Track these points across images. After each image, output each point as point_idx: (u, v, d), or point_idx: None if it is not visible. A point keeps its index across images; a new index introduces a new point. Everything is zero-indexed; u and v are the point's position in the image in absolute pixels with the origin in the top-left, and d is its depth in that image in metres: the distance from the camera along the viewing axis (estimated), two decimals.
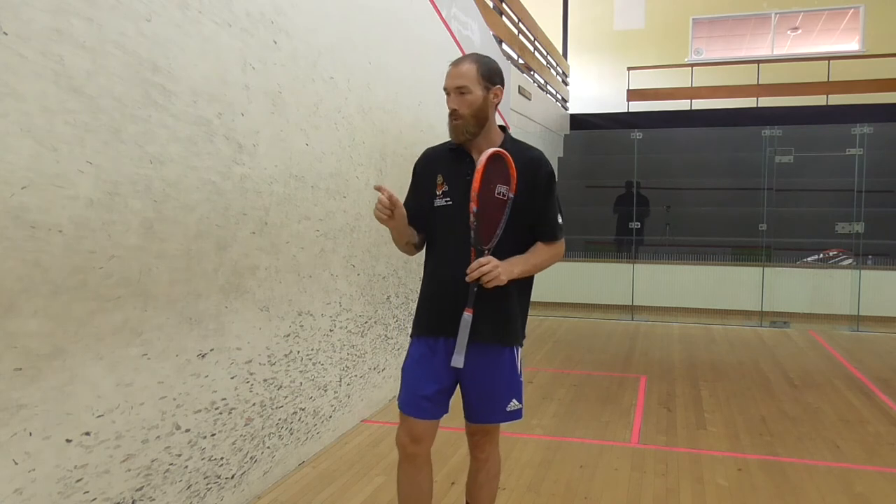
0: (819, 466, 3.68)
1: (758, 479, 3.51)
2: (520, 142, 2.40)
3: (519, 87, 9.03)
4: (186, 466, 2.75)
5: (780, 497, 3.29)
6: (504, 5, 9.47)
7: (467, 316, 2.17)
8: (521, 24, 10.30)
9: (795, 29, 15.08)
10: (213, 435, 2.90)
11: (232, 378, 3.03)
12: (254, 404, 3.19)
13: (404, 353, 5.33)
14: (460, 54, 6.36)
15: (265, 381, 3.27)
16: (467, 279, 2.17)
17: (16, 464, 2.03)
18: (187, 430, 2.75)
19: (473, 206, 2.15)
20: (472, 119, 2.27)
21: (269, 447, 3.32)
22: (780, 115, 11.80)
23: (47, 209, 2.09)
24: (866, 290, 8.17)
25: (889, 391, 5.19)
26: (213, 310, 2.87)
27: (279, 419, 3.40)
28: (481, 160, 2.16)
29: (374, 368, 4.52)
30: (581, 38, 14.98)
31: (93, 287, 2.26)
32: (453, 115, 2.26)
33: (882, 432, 4.24)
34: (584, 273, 9.23)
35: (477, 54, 2.36)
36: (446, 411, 2.37)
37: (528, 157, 2.31)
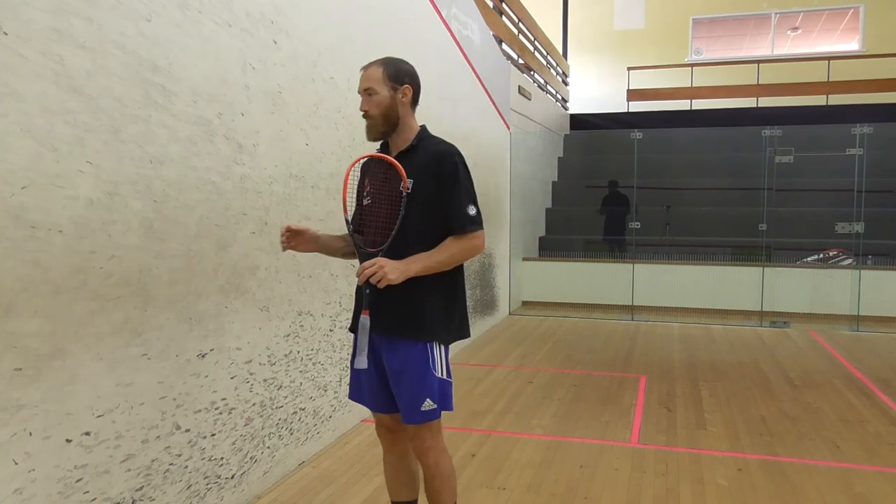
0: (819, 466, 3.68)
1: (758, 479, 3.51)
2: (434, 137, 2.45)
3: (519, 87, 9.03)
4: (186, 466, 2.75)
5: (780, 497, 3.29)
6: (504, 5, 9.47)
7: (364, 318, 2.23)
8: (521, 24, 10.30)
9: (795, 29, 15.08)
10: (213, 435, 2.90)
11: (232, 378, 3.03)
12: (254, 404, 3.19)
13: None
14: (460, 54, 6.39)
15: (265, 381, 3.27)
16: (359, 282, 2.24)
17: (16, 464, 2.03)
18: (187, 430, 2.75)
19: (345, 215, 2.27)
20: (381, 118, 2.33)
21: (269, 447, 3.32)
22: (780, 115, 11.80)
23: (47, 209, 2.09)
24: (866, 290, 8.17)
25: (889, 391, 5.19)
26: (213, 310, 2.87)
27: (279, 419, 3.40)
28: (347, 171, 2.31)
29: None
30: (581, 38, 14.98)
31: (93, 287, 2.26)
32: (364, 115, 2.35)
33: (882, 432, 4.24)
34: (584, 273, 9.23)
35: (387, 57, 2.44)
36: (395, 408, 2.43)
37: (435, 151, 2.35)
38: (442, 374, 2.33)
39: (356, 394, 2.49)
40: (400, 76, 2.38)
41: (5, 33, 1.95)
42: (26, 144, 2.02)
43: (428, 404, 2.29)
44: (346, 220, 2.30)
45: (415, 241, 2.27)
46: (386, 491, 3.26)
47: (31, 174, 2.03)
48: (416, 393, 2.29)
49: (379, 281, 2.17)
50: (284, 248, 2.37)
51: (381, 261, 2.19)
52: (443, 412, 2.36)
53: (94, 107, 2.26)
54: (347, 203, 2.35)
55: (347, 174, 2.34)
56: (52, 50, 2.10)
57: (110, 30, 2.32)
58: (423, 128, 2.45)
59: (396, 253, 2.24)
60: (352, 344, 2.45)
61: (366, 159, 2.47)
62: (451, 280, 2.37)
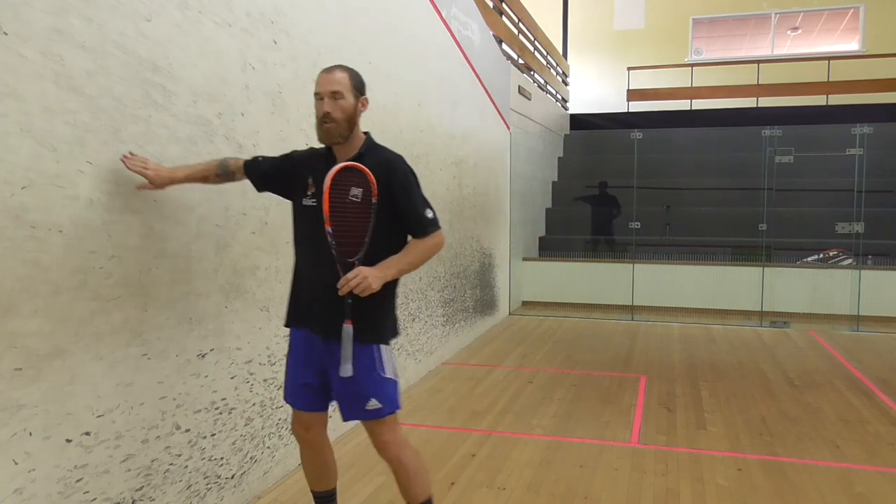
0: (819, 466, 3.68)
1: (758, 479, 3.51)
2: (380, 146, 2.50)
3: (519, 87, 9.03)
4: (186, 466, 2.75)
5: (780, 497, 3.29)
6: (504, 5, 9.47)
7: (347, 328, 2.27)
8: (521, 24, 10.29)
9: (795, 29, 15.07)
10: (213, 435, 2.90)
11: (232, 378, 3.03)
12: (254, 404, 3.19)
13: (404, 353, 5.34)
14: (460, 54, 6.39)
15: (265, 381, 3.27)
16: (340, 293, 2.27)
17: (16, 464, 2.03)
18: (187, 430, 2.75)
19: (328, 227, 2.27)
20: (344, 123, 2.37)
21: (269, 447, 3.32)
22: (780, 115, 11.79)
23: (47, 209, 2.09)
24: (866, 290, 8.17)
25: (889, 391, 5.19)
26: (213, 310, 2.88)
27: (279, 419, 3.40)
28: (326, 182, 2.28)
29: None
30: (581, 38, 14.98)
31: (93, 287, 2.26)
32: (326, 118, 2.35)
33: (882, 432, 4.24)
34: (584, 273, 9.23)
35: (346, 65, 2.47)
36: (325, 408, 2.52)
37: (383, 160, 2.41)
38: (389, 374, 2.43)
39: (288, 394, 2.57)
40: (361, 86, 2.45)
41: (5, 33, 1.95)
42: (26, 144, 2.02)
43: (373, 404, 2.38)
44: (329, 233, 2.28)
45: (379, 247, 2.35)
46: (386, 491, 3.27)
47: (31, 174, 2.03)
48: (362, 394, 2.38)
49: (361, 291, 2.25)
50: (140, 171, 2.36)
51: (363, 270, 2.26)
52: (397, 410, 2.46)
53: (94, 107, 2.26)
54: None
55: (327, 190, 2.29)
56: (52, 50, 2.10)
57: (110, 30, 2.32)
58: (369, 136, 2.50)
59: (361, 260, 2.31)
60: (288, 343, 2.54)
61: (316, 157, 2.49)
62: (394, 284, 2.46)
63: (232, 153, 2.97)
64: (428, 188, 5.47)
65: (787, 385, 5.38)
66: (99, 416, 2.31)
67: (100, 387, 2.31)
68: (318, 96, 2.37)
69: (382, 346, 2.43)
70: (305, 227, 2.48)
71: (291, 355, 2.54)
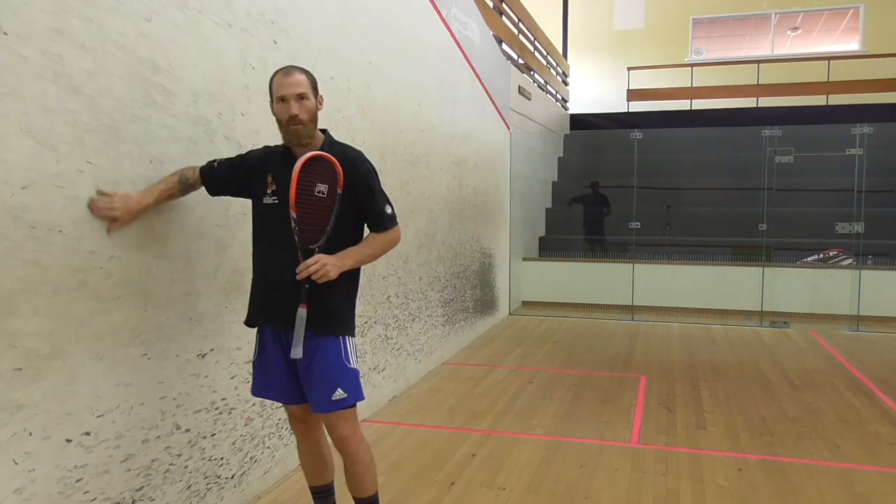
0: (819, 466, 3.68)
1: (758, 479, 3.51)
2: (340, 143, 2.56)
3: (519, 87, 9.02)
4: (186, 466, 2.75)
5: (780, 497, 3.29)
6: (504, 5, 9.47)
7: (301, 312, 2.32)
8: (521, 24, 10.29)
9: (795, 29, 15.07)
10: (213, 435, 2.90)
11: (232, 378, 3.03)
12: (254, 404, 3.19)
13: (404, 353, 5.34)
14: (460, 54, 6.39)
15: None
16: (298, 278, 2.32)
17: (16, 464, 2.03)
18: (187, 430, 2.75)
19: (293, 213, 2.31)
20: (310, 124, 2.42)
21: (269, 447, 3.32)
22: (780, 115, 11.79)
23: (47, 209, 2.09)
24: (866, 290, 8.16)
25: (889, 391, 5.19)
26: (213, 310, 2.88)
27: (279, 419, 3.40)
28: (296, 168, 2.32)
29: (374, 368, 4.52)
30: (581, 38, 14.97)
31: (93, 287, 2.26)
32: (294, 120, 2.38)
33: (882, 432, 4.24)
34: (584, 273, 9.23)
35: (298, 66, 2.51)
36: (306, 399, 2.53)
37: (346, 156, 2.46)
38: (353, 364, 2.49)
39: (261, 390, 2.57)
40: (317, 86, 2.50)
41: (5, 33, 1.95)
42: (26, 144, 2.02)
43: (339, 394, 2.43)
44: (293, 218, 2.32)
45: (339, 237, 2.41)
46: (386, 491, 3.27)
47: (31, 174, 2.03)
48: (328, 383, 2.43)
49: (319, 278, 2.31)
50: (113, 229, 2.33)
51: (322, 258, 2.33)
52: (357, 402, 2.51)
53: (94, 107, 2.26)
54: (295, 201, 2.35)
55: (296, 176, 2.32)
56: (52, 50, 2.10)
57: (110, 30, 2.32)
58: (328, 133, 2.55)
59: (322, 248, 2.36)
60: (255, 341, 2.54)
61: (275, 155, 2.52)
62: (357, 276, 2.57)
63: (232, 153, 2.97)
64: (428, 188, 5.50)
65: (787, 385, 5.38)
66: (99, 416, 2.31)
67: (100, 387, 2.31)
68: (283, 99, 2.39)
69: (349, 338, 2.50)
70: (265, 224, 2.51)
71: (263, 353, 2.54)
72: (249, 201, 2.60)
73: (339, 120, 3.91)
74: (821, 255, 9.07)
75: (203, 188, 2.63)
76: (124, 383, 2.41)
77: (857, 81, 12.69)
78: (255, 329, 2.58)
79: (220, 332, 2.93)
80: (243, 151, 3.04)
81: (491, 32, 7.71)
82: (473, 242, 6.95)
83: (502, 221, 8.32)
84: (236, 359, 3.05)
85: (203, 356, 2.83)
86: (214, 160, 2.63)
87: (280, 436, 3.41)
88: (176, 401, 2.68)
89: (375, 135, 4.45)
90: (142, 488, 2.51)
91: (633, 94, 13.70)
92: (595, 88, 15.17)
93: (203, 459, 2.84)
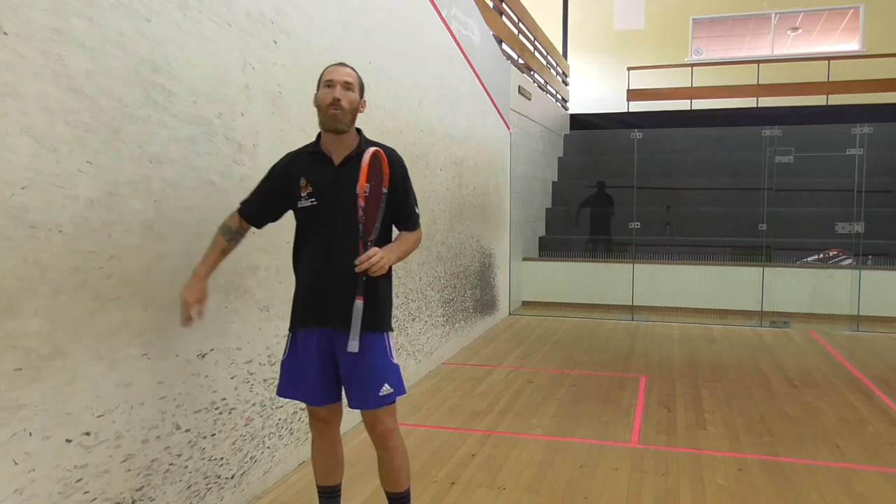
0: (819, 466, 3.68)
1: (758, 479, 3.51)
2: (375, 142, 2.57)
3: (519, 87, 9.02)
4: (186, 466, 2.75)
5: (780, 497, 3.29)
6: (504, 5, 9.47)
7: (359, 303, 2.34)
8: (521, 24, 10.29)
9: (795, 29, 15.07)
10: (213, 435, 2.90)
11: (232, 378, 3.03)
12: (254, 404, 3.19)
13: (404, 353, 5.32)
14: (460, 54, 6.39)
15: (265, 381, 3.27)
16: (356, 270, 2.35)
17: (16, 464, 2.03)
18: (187, 430, 2.75)
19: (361, 202, 2.35)
20: (349, 115, 2.46)
21: (269, 447, 3.32)
22: (780, 115, 11.79)
23: (47, 209, 2.09)
24: (866, 290, 8.17)
25: (889, 391, 5.19)
26: (213, 310, 2.87)
27: (279, 419, 3.40)
28: (365, 159, 2.36)
29: None
30: (581, 38, 14.97)
31: (93, 287, 2.26)
32: (335, 104, 2.41)
33: (882, 432, 4.24)
34: (584, 273, 9.23)
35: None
36: (336, 398, 2.56)
37: (386, 156, 2.49)
38: (395, 360, 2.53)
39: (290, 390, 2.57)
40: (364, 89, 2.57)
41: (5, 33, 1.95)
42: (26, 144, 2.02)
43: (386, 389, 2.47)
44: (361, 207, 2.35)
45: (382, 234, 2.49)
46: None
47: (31, 174, 2.03)
48: (377, 380, 2.45)
49: (377, 270, 2.36)
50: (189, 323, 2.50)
51: (378, 250, 2.38)
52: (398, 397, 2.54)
53: (94, 107, 2.26)
54: (363, 190, 2.38)
55: (366, 167, 2.36)
56: (52, 50, 2.10)
57: (110, 30, 2.32)
58: (362, 132, 2.57)
59: (357, 247, 2.38)
60: (288, 341, 2.55)
61: (304, 157, 2.55)
62: (392, 273, 2.62)
63: (232, 153, 2.97)
64: (428, 188, 5.50)
65: (786, 385, 5.38)
66: (99, 416, 2.31)
67: (100, 387, 2.31)
68: (330, 83, 2.44)
69: (390, 333, 2.55)
70: (308, 226, 2.52)
71: (301, 355, 2.52)
72: (232, 199, 2.62)
73: None
74: (821, 255, 9.07)
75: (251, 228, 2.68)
76: (124, 383, 2.41)
77: (857, 81, 12.69)
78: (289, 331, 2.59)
79: (220, 332, 2.93)
80: (243, 151, 3.05)
81: (491, 32, 7.71)
82: (473, 242, 6.95)
83: (502, 221, 8.32)
84: (236, 359, 3.05)
85: (203, 356, 2.83)
86: (245, 199, 2.64)
87: (280, 436, 3.42)
88: (176, 401, 2.68)
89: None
90: (142, 488, 2.51)
91: (633, 94, 13.70)
92: (595, 88, 15.17)
93: (203, 459, 2.84)
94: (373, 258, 2.34)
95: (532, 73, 10.83)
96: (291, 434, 3.52)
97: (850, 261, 8.76)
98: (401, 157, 2.56)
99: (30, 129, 2.03)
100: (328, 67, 2.51)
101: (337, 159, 2.48)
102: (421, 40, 5.35)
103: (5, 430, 1.99)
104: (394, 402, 2.51)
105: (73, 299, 2.19)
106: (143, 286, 2.48)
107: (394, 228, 2.62)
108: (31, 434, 2.07)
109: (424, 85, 5.41)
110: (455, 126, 6.16)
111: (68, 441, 2.20)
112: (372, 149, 2.40)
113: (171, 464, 2.66)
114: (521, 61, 10.08)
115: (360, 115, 2.53)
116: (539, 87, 11.05)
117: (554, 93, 12.63)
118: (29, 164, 2.03)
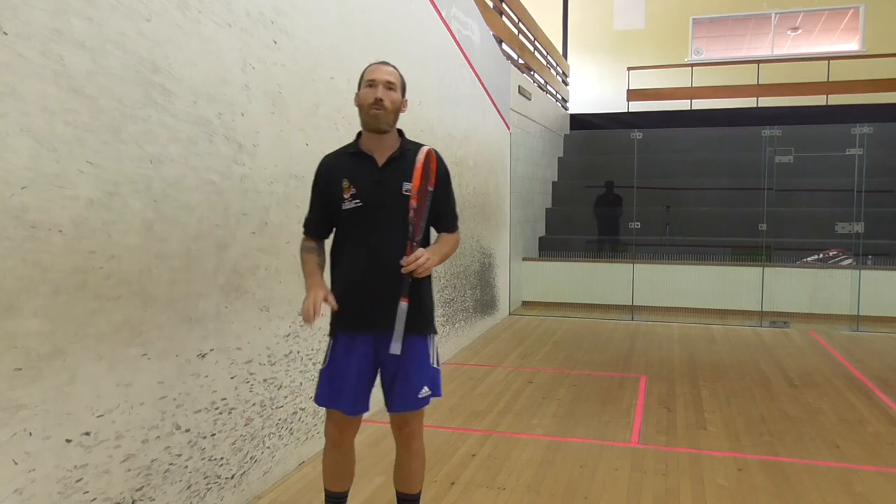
0: (819, 466, 3.68)
1: (758, 479, 3.51)
2: (416, 142, 2.55)
3: (519, 87, 9.02)
4: (186, 466, 2.75)
5: (780, 497, 3.29)
6: (504, 5, 9.47)
7: (403, 305, 2.32)
8: (521, 24, 10.29)
9: (795, 29, 15.07)
10: (213, 435, 2.90)
11: (232, 378, 3.03)
12: (254, 404, 3.19)
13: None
14: (460, 54, 6.39)
15: (265, 381, 3.27)
16: (403, 271, 2.32)
17: (16, 464, 2.03)
18: (187, 430, 2.75)
19: (413, 203, 2.34)
20: (391, 115, 2.44)
21: (269, 447, 3.32)
22: (780, 115, 11.79)
23: (47, 209, 2.09)
24: (866, 290, 8.17)
25: (889, 391, 5.19)
26: (213, 310, 2.87)
27: (279, 419, 3.40)
28: (419, 159, 2.35)
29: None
30: (581, 38, 14.98)
31: (93, 287, 2.26)
32: (378, 104, 2.40)
33: (882, 432, 4.24)
34: (584, 273, 9.23)
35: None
36: (367, 408, 2.51)
37: None
38: (437, 364, 2.52)
39: (330, 400, 2.49)
40: (405, 88, 2.54)
41: (5, 33, 1.95)
42: (26, 144, 2.02)
43: (424, 392, 2.48)
44: (413, 208, 2.35)
45: (425, 235, 2.48)
46: (386, 490, 3.27)
47: (31, 174, 2.03)
48: (418, 384, 2.45)
49: (423, 271, 2.34)
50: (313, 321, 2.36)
51: (425, 252, 2.36)
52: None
53: (94, 107, 2.26)
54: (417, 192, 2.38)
55: (420, 167, 2.36)
56: (52, 50, 2.10)
57: (110, 30, 2.32)
58: (403, 133, 2.55)
59: (402, 248, 2.36)
60: (329, 348, 2.51)
61: (345, 158, 2.53)
62: (432, 277, 2.58)
63: (232, 153, 2.97)
64: None
65: (786, 385, 5.38)
66: (99, 416, 2.31)
67: (100, 387, 2.31)
68: (372, 83, 2.42)
69: (434, 336, 2.55)
70: (353, 226, 2.47)
71: (336, 361, 2.48)
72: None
73: (339, 120, 3.91)
74: (821, 255, 9.07)
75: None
76: (124, 383, 2.41)
77: (857, 81, 12.69)
78: (330, 336, 2.55)
79: (220, 332, 2.93)
80: (243, 151, 3.05)
81: (491, 32, 7.71)
82: (473, 242, 6.95)
83: (502, 221, 8.32)
84: (236, 359, 3.05)
85: (203, 356, 2.83)
86: (305, 219, 2.61)
87: (280, 436, 3.42)
88: (176, 401, 2.68)
89: None
90: (142, 488, 2.51)
91: (633, 94, 13.70)
92: (595, 88, 15.17)
93: (203, 459, 2.84)
94: (420, 259, 2.32)
95: (532, 73, 10.83)
96: (291, 434, 3.52)
97: (850, 261, 8.76)
98: (443, 160, 2.54)
99: (30, 129, 2.03)
100: (370, 66, 2.48)
101: (380, 159, 2.45)
102: (421, 40, 5.35)
103: (5, 430, 1.99)
104: (428, 404, 2.50)
105: (73, 299, 2.19)
106: (143, 286, 2.48)
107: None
108: (31, 434, 2.07)
109: (424, 85, 5.41)
110: (455, 126, 6.16)
111: (68, 441, 2.20)
112: (426, 148, 2.39)
113: (171, 464, 2.66)
114: (521, 61, 10.08)
115: (401, 114, 2.51)
116: (539, 87, 11.05)
117: (554, 93, 12.63)
118: (29, 164, 2.03)
